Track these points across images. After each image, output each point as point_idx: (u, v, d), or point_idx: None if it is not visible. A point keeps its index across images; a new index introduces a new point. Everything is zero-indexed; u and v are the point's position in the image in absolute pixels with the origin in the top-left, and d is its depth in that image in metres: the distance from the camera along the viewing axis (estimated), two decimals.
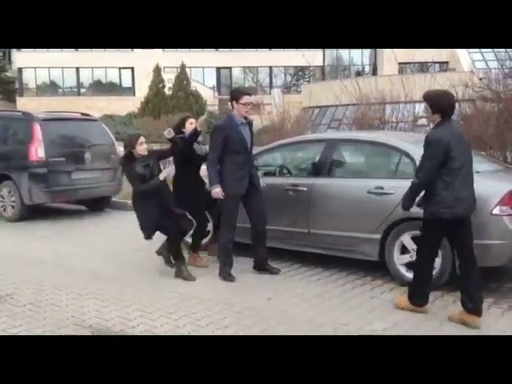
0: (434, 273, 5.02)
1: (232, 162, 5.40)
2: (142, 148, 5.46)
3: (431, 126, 4.89)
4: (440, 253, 4.97)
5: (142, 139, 5.47)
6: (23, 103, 31.40)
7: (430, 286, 4.60)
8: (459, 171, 4.21)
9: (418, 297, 4.53)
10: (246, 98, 5.39)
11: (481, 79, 8.93)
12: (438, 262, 5.00)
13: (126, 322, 4.38)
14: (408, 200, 4.46)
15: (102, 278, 5.57)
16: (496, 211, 4.80)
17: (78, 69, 36.50)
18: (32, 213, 8.70)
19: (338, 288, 5.23)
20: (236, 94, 5.48)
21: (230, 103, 5.58)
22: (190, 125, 5.84)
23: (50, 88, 37.73)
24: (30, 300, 4.91)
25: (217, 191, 5.36)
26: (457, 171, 4.21)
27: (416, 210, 4.56)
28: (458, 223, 4.27)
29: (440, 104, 4.28)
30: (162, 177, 5.45)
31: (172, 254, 5.61)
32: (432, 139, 4.24)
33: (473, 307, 4.25)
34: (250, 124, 5.55)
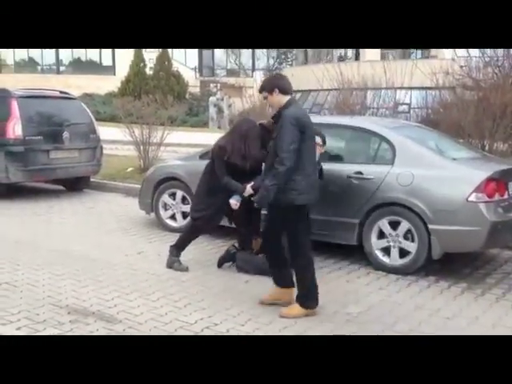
0: (409, 258, 5.11)
1: None
2: None
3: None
4: (416, 237, 5.04)
5: None
6: (1, 80, 30.75)
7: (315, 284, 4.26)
8: (311, 153, 3.98)
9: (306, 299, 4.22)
10: None
11: (461, 67, 8.98)
12: (413, 246, 5.07)
13: (103, 303, 4.37)
14: (272, 193, 3.88)
15: (78, 258, 5.53)
16: (472, 198, 4.88)
17: None
18: (9, 191, 8.57)
19: (315, 272, 5.26)
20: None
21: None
22: None
23: (29, 65, 36.99)
24: (5, 279, 4.86)
25: None
26: (309, 154, 3.96)
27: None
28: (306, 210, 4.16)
29: (283, 84, 4.11)
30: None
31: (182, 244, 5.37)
32: (290, 116, 3.89)
33: (292, 282, 4.34)
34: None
